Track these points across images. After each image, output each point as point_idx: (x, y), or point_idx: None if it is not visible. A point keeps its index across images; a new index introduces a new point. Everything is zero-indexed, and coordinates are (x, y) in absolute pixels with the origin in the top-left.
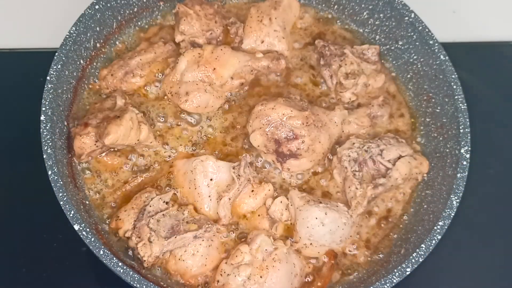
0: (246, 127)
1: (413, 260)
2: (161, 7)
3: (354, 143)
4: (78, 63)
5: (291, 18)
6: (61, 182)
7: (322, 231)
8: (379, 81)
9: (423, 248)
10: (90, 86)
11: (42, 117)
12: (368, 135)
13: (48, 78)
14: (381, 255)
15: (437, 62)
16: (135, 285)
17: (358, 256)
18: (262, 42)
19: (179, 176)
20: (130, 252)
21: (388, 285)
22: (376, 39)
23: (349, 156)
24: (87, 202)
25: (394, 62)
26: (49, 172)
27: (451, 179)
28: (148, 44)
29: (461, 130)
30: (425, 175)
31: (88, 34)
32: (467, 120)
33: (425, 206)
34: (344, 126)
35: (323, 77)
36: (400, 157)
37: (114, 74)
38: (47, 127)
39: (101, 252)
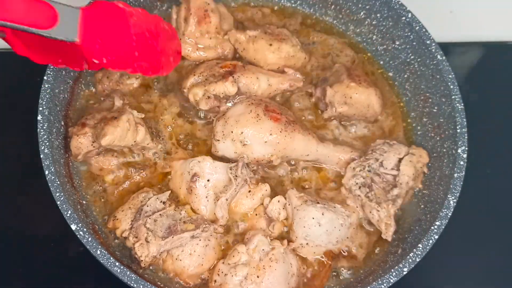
0: None
1: (410, 260)
2: (158, 7)
3: (354, 168)
4: None
5: None
6: (58, 182)
7: (318, 231)
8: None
9: (420, 248)
10: (87, 92)
11: (39, 117)
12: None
13: (45, 78)
14: (378, 255)
15: (434, 62)
16: (132, 285)
17: (355, 256)
18: None
19: (176, 177)
20: (128, 252)
21: (385, 285)
22: (373, 39)
23: (357, 183)
24: (84, 202)
25: (391, 62)
26: (46, 172)
27: (448, 179)
28: None
29: (458, 130)
30: (428, 164)
31: None
32: (464, 120)
33: (422, 206)
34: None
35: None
36: (400, 159)
37: (110, 76)
38: (44, 127)
39: (98, 252)
